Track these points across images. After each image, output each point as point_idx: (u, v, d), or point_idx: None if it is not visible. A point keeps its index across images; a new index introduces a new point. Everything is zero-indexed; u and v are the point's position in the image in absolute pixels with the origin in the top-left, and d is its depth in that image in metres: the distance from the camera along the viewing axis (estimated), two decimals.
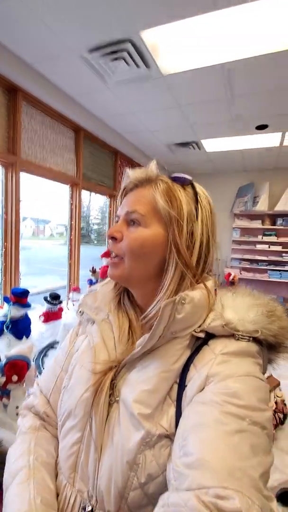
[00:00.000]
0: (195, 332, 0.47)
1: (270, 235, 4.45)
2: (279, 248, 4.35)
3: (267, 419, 0.39)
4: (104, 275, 2.23)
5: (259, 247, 4.46)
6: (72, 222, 2.94)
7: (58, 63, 1.98)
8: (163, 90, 2.27)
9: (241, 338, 0.45)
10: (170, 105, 2.51)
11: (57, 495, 0.51)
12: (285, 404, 1.29)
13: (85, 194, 3.32)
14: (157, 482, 0.43)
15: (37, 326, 2.11)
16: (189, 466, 0.35)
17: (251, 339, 0.45)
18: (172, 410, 0.45)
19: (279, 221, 4.39)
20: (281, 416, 1.25)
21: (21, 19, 1.60)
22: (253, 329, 0.45)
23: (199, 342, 0.48)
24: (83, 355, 0.56)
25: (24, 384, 1.24)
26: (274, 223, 4.46)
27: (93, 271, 2.76)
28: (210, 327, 0.47)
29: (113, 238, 0.52)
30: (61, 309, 2.25)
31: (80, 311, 0.62)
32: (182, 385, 0.46)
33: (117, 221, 0.55)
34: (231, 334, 0.45)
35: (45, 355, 1.80)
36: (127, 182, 0.56)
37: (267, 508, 0.33)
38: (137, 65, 1.95)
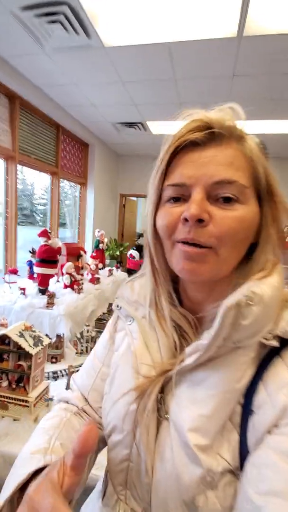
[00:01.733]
0: (266, 339, 0.35)
1: None
2: None
3: None
4: (41, 254, 2.13)
5: None
6: (8, 199, 2.73)
7: None
8: (106, 63, 2.18)
9: None
10: (113, 79, 2.42)
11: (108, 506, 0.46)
12: None
13: (29, 172, 3.09)
14: None
15: None
16: None
17: None
18: (234, 438, 0.36)
19: None
20: None
21: None
22: None
23: (266, 351, 0.36)
24: (123, 359, 0.47)
25: None
26: None
27: (33, 252, 2.64)
28: (287, 331, 0.35)
29: (201, 220, 0.36)
30: None
31: (117, 306, 0.52)
32: (247, 408, 0.35)
33: (172, 198, 0.40)
34: None
35: None
36: (193, 128, 0.38)
37: None
38: (77, 32, 1.83)
